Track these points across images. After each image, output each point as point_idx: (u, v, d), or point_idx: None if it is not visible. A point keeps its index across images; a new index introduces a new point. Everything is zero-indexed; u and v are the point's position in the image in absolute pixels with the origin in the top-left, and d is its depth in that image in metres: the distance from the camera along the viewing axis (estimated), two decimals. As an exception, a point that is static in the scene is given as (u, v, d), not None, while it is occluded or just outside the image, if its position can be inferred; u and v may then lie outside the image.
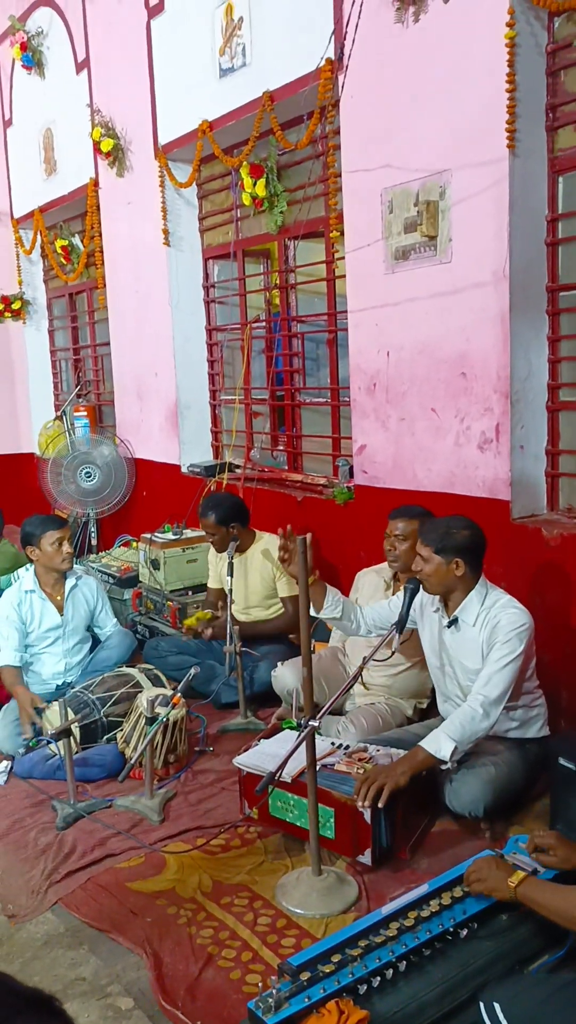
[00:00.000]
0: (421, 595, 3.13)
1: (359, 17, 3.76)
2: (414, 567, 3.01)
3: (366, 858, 2.70)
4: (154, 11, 5.37)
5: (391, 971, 2.06)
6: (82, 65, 6.29)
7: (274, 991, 1.99)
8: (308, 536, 2.67)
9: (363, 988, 2.02)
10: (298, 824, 2.81)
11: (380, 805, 2.62)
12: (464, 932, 2.19)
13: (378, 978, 2.04)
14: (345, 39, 3.87)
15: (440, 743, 2.73)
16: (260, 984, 2.19)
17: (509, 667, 2.81)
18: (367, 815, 2.65)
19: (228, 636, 3.76)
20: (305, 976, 2.01)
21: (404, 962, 2.09)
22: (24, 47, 6.83)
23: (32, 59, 6.87)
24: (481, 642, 2.90)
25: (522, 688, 2.99)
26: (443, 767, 2.79)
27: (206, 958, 2.35)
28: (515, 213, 3.37)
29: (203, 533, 5.08)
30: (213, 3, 4.80)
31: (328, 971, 2.03)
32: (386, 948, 2.11)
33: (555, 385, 3.56)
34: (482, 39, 3.32)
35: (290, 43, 4.29)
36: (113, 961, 2.38)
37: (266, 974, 2.25)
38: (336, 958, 2.07)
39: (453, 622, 2.98)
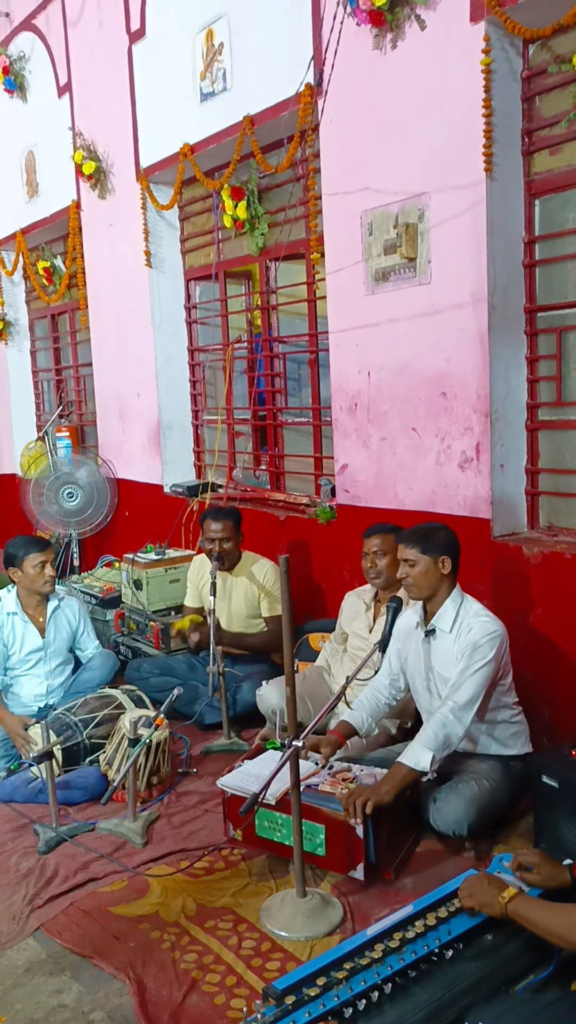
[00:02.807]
0: (405, 619, 3.15)
1: (338, 43, 3.82)
2: (399, 574, 3.06)
3: (358, 873, 2.69)
4: (135, 36, 5.42)
5: (377, 993, 2.05)
6: (64, 89, 6.34)
7: (259, 1016, 1.97)
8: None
9: (349, 1011, 2.01)
10: (287, 843, 2.79)
11: (367, 813, 2.63)
12: (450, 953, 2.19)
13: (364, 1001, 2.03)
14: (324, 64, 3.92)
15: (418, 756, 2.75)
16: (245, 1009, 2.17)
17: (479, 673, 2.84)
18: (359, 830, 2.65)
19: (211, 657, 3.75)
20: (290, 1000, 2.00)
21: (390, 984, 2.08)
22: (6, 71, 6.87)
23: (14, 83, 6.91)
24: (456, 651, 2.93)
25: (500, 702, 3.00)
26: (424, 779, 2.80)
27: (190, 983, 2.33)
28: (493, 235, 3.41)
29: (185, 553, 5.10)
30: (194, 29, 4.86)
31: (313, 994, 2.02)
32: (371, 970, 2.10)
33: (534, 404, 3.60)
34: (459, 65, 3.38)
35: (270, 68, 4.35)
36: (96, 987, 2.36)
37: (251, 998, 2.23)
38: (321, 981, 2.06)
39: (431, 632, 3.01)
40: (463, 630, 2.94)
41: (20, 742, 3.63)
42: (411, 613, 3.17)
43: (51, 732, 3.34)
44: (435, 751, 2.75)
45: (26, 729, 3.63)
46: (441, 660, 3.00)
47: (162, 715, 3.27)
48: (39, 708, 3.93)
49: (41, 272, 7.04)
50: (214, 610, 3.94)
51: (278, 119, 4.32)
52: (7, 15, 6.96)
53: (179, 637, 4.27)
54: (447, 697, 2.85)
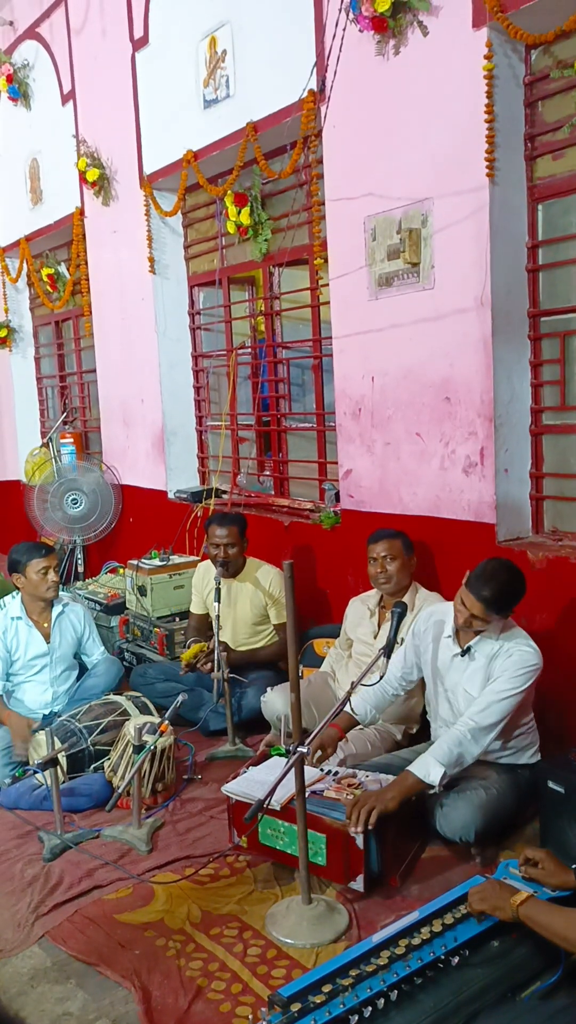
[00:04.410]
0: (426, 618, 3.13)
1: (340, 50, 3.83)
2: (462, 621, 2.89)
3: (358, 884, 2.68)
4: (139, 44, 5.45)
5: (383, 1001, 2.04)
6: (68, 96, 6.36)
7: (264, 1023, 1.96)
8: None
9: (355, 1019, 1.99)
10: (289, 851, 2.78)
11: (369, 827, 2.60)
12: (456, 959, 2.17)
13: (369, 1008, 2.02)
14: (327, 71, 3.93)
15: (429, 768, 2.73)
16: (250, 1016, 2.16)
17: (508, 701, 2.81)
18: (359, 840, 2.64)
19: (215, 663, 3.75)
20: (296, 1007, 1.99)
21: (396, 991, 2.06)
22: (10, 79, 6.90)
23: (18, 91, 6.95)
24: (491, 671, 2.89)
25: (517, 722, 2.97)
26: (431, 792, 2.79)
27: (195, 990, 2.32)
28: (496, 240, 3.42)
29: (190, 558, 5.10)
30: (197, 36, 4.88)
31: (319, 1002, 2.01)
32: (377, 977, 2.08)
33: (538, 409, 3.60)
34: (461, 71, 3.39)
35: (273, 75, 4.36)
36: (101, 995, 2.35)
37: (256, 1006, 2.23)
38: (327, 988, 2.04)
39: (466, 651, 2.96)
40: (502, 653, 2.89)
41: (20, 745, 3.62)
42: (440, 615, 3.10)
43: (56, 739, 3.34)
44: (447, 767, 2.72)
45: (32, 731, 3.63)
46: (471, 679, 2.94)
47: (166, 721, 3.26)
48: (44, 715, 3.92)
49: (45, 279, 7.06)
50: (218, 616, 3.94)
51: (281, 125, 4.33)
52: (11, 23, 7.00)
53: (189, 668, 4.18)
54: (470, 715, 2.82)
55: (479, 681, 2.92)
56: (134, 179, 5.67)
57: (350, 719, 3.13)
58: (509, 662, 2.85)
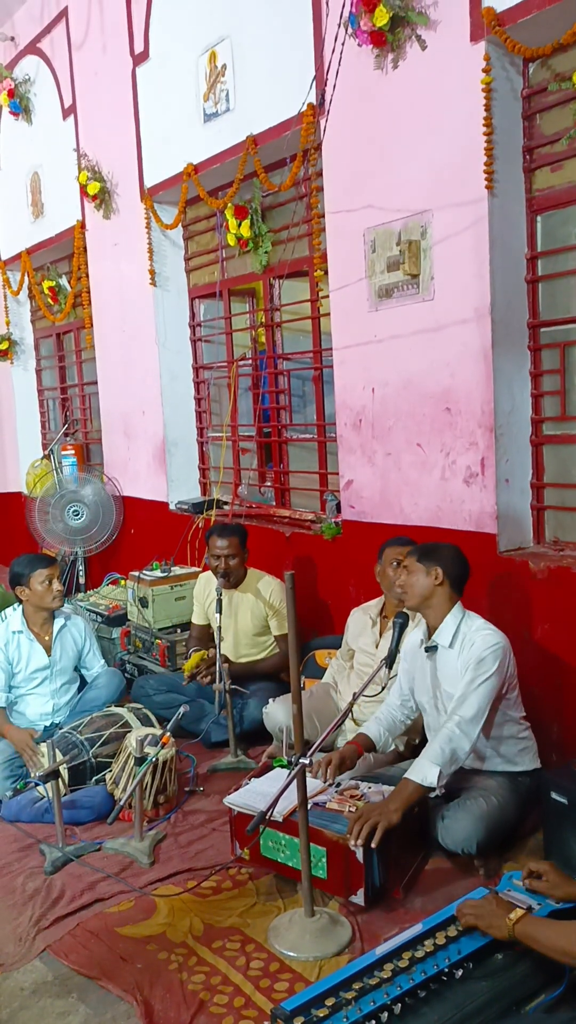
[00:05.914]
0: (411, 638, 3.13)
1: (339, 63, 3.85)
2: (397, 581, 3.09)
3: (358, 898, 2.67)
4: (139, 59, 5.48)
5: (386, 1014, 2.03)
6: (69, 111, 6.41)
7: (267, 1037, 1.95)
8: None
9: (358, 1032, 1.99)
10: (290, 864, 2.78)
11: (373, 845, 2.59)
12: (459, 972, 2.16)
13: (373, 1022, 2.01)
14: (326, 85, 3.96)
15: (424, 771, 2.73)
16: (253, 1030, 2.16)
17: (484, 686, 2.83)
18: (359, 854, 2.63)
19: (217, 674, 3.74)
20: (299, 1021, 1.98)
21: (399, 1004, 2.06)
22: (11, 94, 6.95)
23: (19, 105, 6.99)
24: (460, 666, 2.92)
25: (507, 717, 2.99)
26: (432, 795, 2.79)
27: (198, 1004, 2.30)
28: (495, 252, 3.43)
29: (192, 570, 5.10)
30: (197, 51, 4.91)
31: (322, 1015, 2.00)
32: (380, 990, 2.08)
33: (538, 419, 3.60)
34: (459, 84, 3.41)
35: (273, 89, 4.39)
36: (103, 1010, 2.34)
37: (259, 1020, 2.22)
38: (330, 1002, 2.04)
39: (432, 648, 3.01)
40: (466, 645, 2.94)
41: (28, 754, 3.62)
42: (417, 631, 3.17)
43: (57, 751, 3.33)
44: (442, 766, 2.73)
45: (35, 742, 3.62)
46: (447, 677, 2.99)
47: (168, 733, 3.26)
48: (45, 727, 3.92)
49: (46, 291, 7.09)
50: (220, 627, 3.93)
51: (281, 139, 4.35)
52: (12, 39, 7.05)
53: (192, 679, 4.16)
54: (452, 712, 2.84)
55: (452, 678, 2.96)
56: (135, 192, 5.70)
57: (368, 740, 3.13)
58: (473, 650, 2.90)
